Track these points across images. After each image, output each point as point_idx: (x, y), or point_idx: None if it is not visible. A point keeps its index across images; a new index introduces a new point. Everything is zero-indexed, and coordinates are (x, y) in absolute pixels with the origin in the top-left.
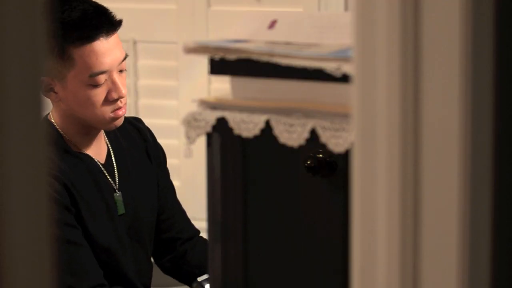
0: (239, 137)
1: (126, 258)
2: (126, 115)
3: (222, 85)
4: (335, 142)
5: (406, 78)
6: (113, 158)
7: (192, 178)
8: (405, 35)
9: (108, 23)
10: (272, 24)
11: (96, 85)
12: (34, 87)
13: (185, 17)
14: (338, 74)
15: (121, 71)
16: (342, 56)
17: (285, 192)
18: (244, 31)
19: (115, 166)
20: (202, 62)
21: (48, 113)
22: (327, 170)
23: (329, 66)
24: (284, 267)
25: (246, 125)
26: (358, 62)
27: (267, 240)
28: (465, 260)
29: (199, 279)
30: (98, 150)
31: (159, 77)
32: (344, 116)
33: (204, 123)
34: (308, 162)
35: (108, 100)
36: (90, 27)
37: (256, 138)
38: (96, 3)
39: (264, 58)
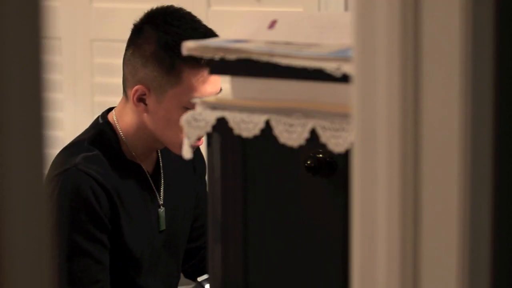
0: (239, 137)
1: (156, 270)
2: None
3: (222, 85)
4: (335, 142)
5: (406, 78)
6: (161, 170)
7: None
8: (405, 35)
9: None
10: (272, 24)
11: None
12: (34, 87)
13: None
14: (338, 74)
15: None
16: (342, 56)
17: (285, 192)
18: (244, 31)
19: (162, 179)
20: None
21: (110, 111)
22: (327, 170)
23: (329, 66)
24: (284, 267)
25: (246, 125)
26: (358, 62)
27: (267, 240)
28: (465, 260)
29: (199, 279)
30: (150, 160)
31: None
32: (344, 116)
33: (204, 123)
34: (308, 162)
35: None
36: None
37: (256, 138)
38: (212, 30)
39: (264, 58)
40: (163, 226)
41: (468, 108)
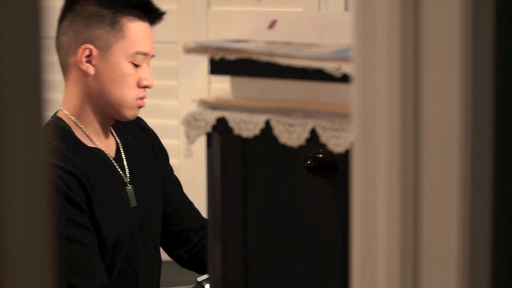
0: (239, 137)
1: (135, 252)
2: None
3: (222, 85)
4: (335, 142)
5: (406, 78)
6: (122, 153)
7: (192, 178)
8: (405, 35)
9: (158, 13)
10: (272, 24)
11: (135, 65)
12: (34, 87)
13: (185, 17)
14: (338, 74)
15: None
16: (342, 56)
17: (285, 192)
18: (244, 31)
19: (124, 160)
20: (202, 62)
21: (57, 111)
22: (327, 170)
23: (329, 66)
24: (284, 267)
25: (246, 125)
26: (358, 62)
27: (267, 240)
28: (465, 260)
29: (199, 279)
30: (108, 144)
31: (159, 77)
32: (344, 116)
33: (204, 123)
34: (308, 162)
35: (137, 85)
36: (148, 8)
37: (256, 138)
38: None
39: (264, 58)
40: (133, 203)
41: (468, 107)
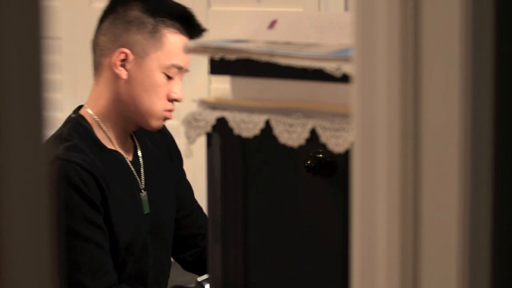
0: (239, 137)
1: (146, 256)
2: None
3: (222, 85)
4: (335, 142)
5: (406, 78)
6: (140, 156)
7: (192, 178)
8: (405, 35)
9: (198, 28)
10: (272, 24)
11: (168, 77)
12: (34, 87)
13: None
14: (338, 74)
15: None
16: (342, 56)
17: (285, 192)
18: (244, 31)
19: (141, 164)
20: (202, 62)
21: (81, 107)
22: (327, 170)
23: (329, 66)
24: (284, 267)
25: (246, 125)
26: (358, 62)
27: (267, 240)
28: (465, 261)
29: (199, 279)
30: (127, 148)
31: None
32: (344, 116)
33: (204, 123)
34: (308, 162)
35: (167, 97)
36: (190, 23)
37: (256, 138)
38: None
39: (264, 58)
40: (147, 210)
41: (468, 107)
